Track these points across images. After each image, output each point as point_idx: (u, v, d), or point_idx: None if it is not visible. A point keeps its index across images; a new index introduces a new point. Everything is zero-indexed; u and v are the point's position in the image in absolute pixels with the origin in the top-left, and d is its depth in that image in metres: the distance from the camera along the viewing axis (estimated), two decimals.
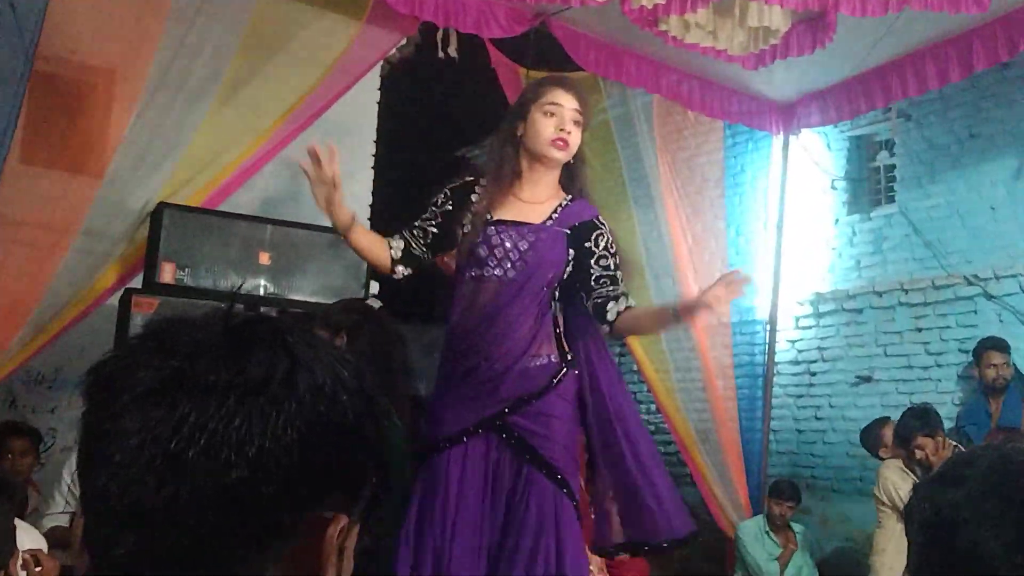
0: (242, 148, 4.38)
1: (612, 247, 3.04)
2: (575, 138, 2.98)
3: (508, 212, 2.98)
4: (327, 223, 5.25)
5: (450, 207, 3.05)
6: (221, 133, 4.29)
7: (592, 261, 2.98)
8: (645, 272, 5.67)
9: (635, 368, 6.41)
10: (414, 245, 3.05)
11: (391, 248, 3.02)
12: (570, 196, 3.05)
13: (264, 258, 4.66)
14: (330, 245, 5.00)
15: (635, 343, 5.87)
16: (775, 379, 6.64)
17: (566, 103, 2.96)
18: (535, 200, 3.01)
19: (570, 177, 3.07)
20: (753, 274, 7.30)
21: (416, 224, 3.08)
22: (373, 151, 6.39)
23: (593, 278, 2.97)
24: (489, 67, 5.07)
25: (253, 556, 0.92)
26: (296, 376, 0.90)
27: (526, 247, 2.92)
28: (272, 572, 0.94)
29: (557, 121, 2.94)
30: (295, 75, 4.43)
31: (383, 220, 6.59)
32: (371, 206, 6.34)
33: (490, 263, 2.91)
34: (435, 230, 3.05)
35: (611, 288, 2.97)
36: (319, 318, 3.41)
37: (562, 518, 2.79)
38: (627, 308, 2.95)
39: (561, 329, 3.00)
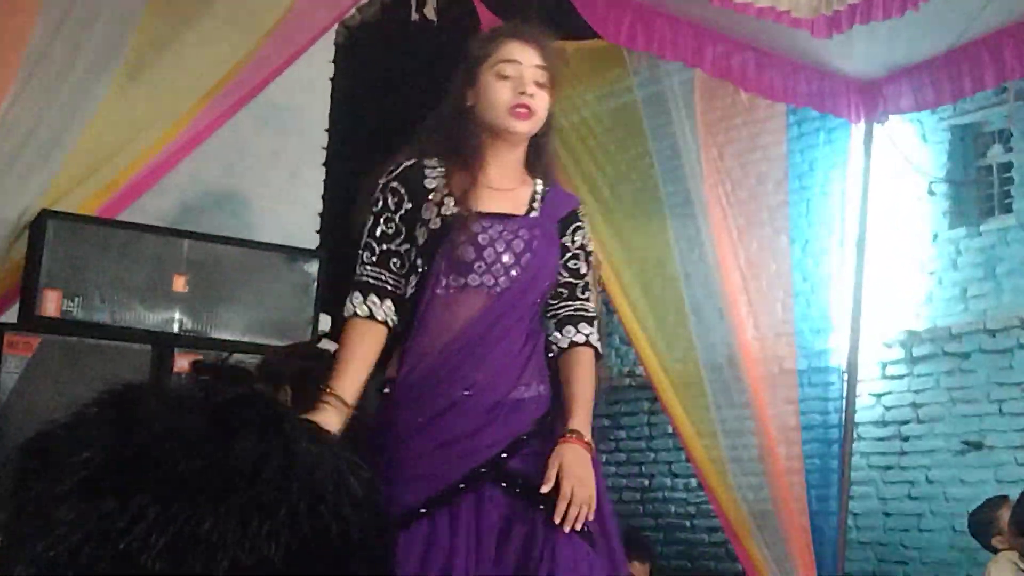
0: (151, 139, 4.36)
1: (588, 246, 3.11)
2: (540, 102, 2.97)
3: (485, 203, 2.98)
4: (265, 237, 5.26)
5: (409, 206, 3.03)
6: (124, 120, 4.28)
7: (561, 262, 3.04)
8: (684, 303, 5.73)
9: (670, 430, 6.39)
10: (392, 286, 3.02)
11: (379, 319, 2.97)
12: (539, 179, 3.08)
13: (179, 283, 4.64)
14: (267, 266, 5.00)
15: (671, 396, 5.88)
16: (855, 445, 6.61)
17: (524, 59, 2.97)
18: (506, 187, 3.03)
19: (537, 154, 3.09)
20: (826, 306, 7.34)
21: (377, 257, 3.01)
22: (324, 143, 6.40)
23: (558, 284, 3.03)
24: (479, 33, 5.08)
25: None
26: (291, 476, 0.88)
27: (521, 248, 2.95)
28: None
29: (515, 84, 2.95)
30: (222, 44, 4.43)
31: (338, 231, 6.59)
32: (321, 215, 6.33)
33: (477, 269, 2.91)
34: (407, 246, 3.01)
35: (573, 303, 3.04)
36: (257, 367, 3.41)
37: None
38: (570, 347, 3.00)
39: (553, 354, 3.02)
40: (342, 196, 6.70)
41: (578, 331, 3.00)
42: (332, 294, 5.37)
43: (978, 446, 6.84)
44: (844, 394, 6.49)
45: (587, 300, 3.07)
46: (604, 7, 5.14)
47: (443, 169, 3.01)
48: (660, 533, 9.06)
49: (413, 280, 2.96)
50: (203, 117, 4.50)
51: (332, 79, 6.48)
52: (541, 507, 2.77)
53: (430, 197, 2.97)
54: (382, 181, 3.03)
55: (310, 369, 3.45)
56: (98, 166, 4.31)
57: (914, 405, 7.32)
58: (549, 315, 3.04)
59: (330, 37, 6.01)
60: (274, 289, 4.93)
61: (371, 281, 3.00)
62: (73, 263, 4.31)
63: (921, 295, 7.36)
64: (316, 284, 5.04)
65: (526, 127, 2.97)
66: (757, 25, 5.07)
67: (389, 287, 2.99)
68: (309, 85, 6.20)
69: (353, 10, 5.33)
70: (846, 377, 6.50)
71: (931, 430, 7.19)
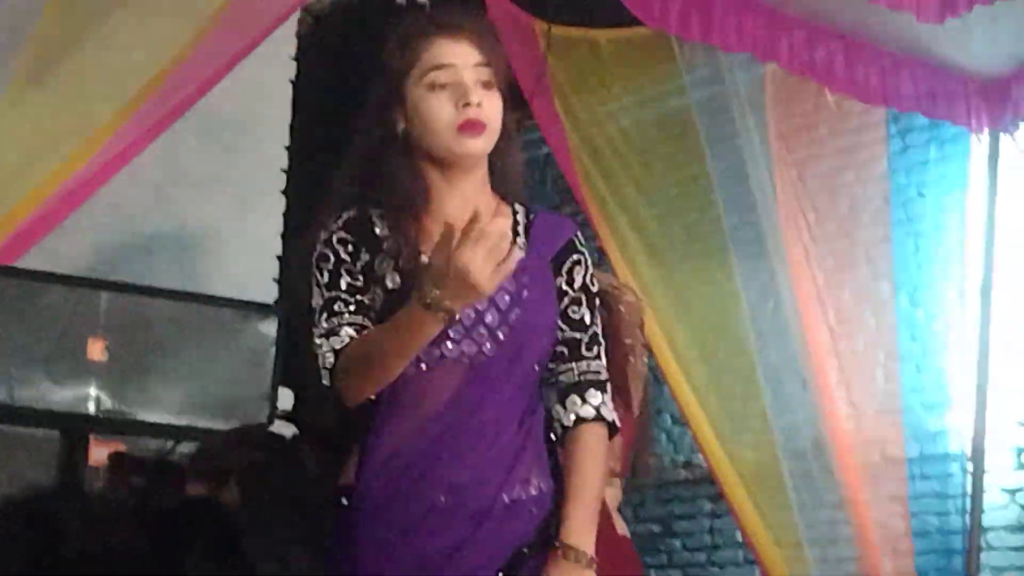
0: (57, 163, 4.38)
1: (592, 285, 3.10)
2: (491, 108, 2.94)
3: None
4: (207, 288, 5.25)
5: (366, 258, 3.00)
6: (20, 138, 4.31)
7: (560, 308, 3.03)
8: (755, 370, 5.71)
9: (739, 538, 6.36)
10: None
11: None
12: (518, 205, 3.09)
13: (96, 349, 4.66)
14: (210, 326, 5.00)
15: (741, 494, 5.85)
16: (984, 556, 6.56)
17: (460, 59, 2.95)
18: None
19: (503, 173, 3.07)
20: (942, 374, 7.30)
21: (355, 307, 2.96)
22: (284, 164, 6.42)
23: (557, 342, 3.03)
24: (483, 19, 5.11)
25: None
26: None
27: (508, 301, 2.93)
28: None
29: (454, 92, 2.92)
30: (149, 38, 4.47)
31: (300, 285, 6.59)
32: (280, 258, 6.34)
33: (453, 335, 2.88)
34: (370, 296, 2.97)
35: (578, 365, 3.02)
36: (193, 459, 3.43)
37: None
38: (593, 418, 2.98)
39: (556, 434, 3.02)
40: (305, 222, 6.75)
41: (585, 402, 2.97)
42: (295, 361, 5.37)
43: None
44: (968, 489, 6.45)
45: (596, 358, 3.05)
46: None
47: (389, 218, 2.97)
48: None
49: None
50: (126, 133, 4.51)
51: (294, 81, 6.52)
52: None
53: (384, 247, 2.96)
54: (323, 237, 3.01)
55: (263, 462, 3.46)
56: None
57: None
58: (549, 382, 3.02)
59: (291, 27, 6.05)
60: (220, 356, 4.93)
61: (351, 325, 2.93)
62: None
63: None
64: (274, 348, 5.04)
65: (480, 145, 2.93)
66: (848, 7, 5.09)
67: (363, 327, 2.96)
68: (264, 90, 6.22)
69: None
70: (970, 467, 6.45)
71: None
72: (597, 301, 3.11)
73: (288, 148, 6.41)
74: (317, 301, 3.00)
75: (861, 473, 5.83)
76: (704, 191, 5.77)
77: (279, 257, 6.28)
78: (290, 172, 6.42)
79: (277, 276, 6.26)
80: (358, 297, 2.96)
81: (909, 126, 7.12)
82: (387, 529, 2.88)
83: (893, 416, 6.05)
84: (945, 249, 7.33)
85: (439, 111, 2.90)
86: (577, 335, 3.01)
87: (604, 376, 3.04)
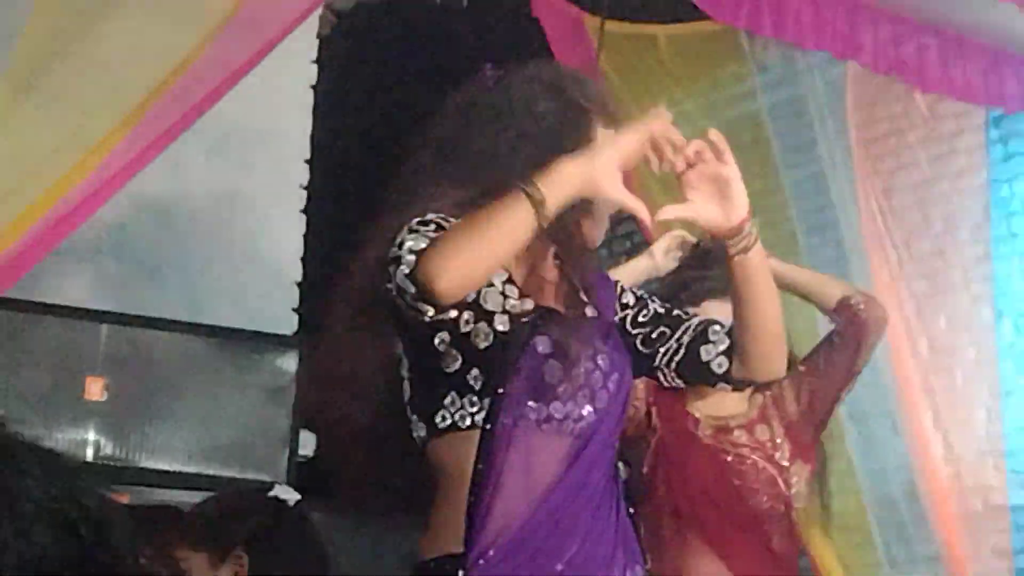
0: (52, 179, 4.41)
1: (635, 296, 3.27)
2: None
3: (546, 298, 3.09)
4: (220, 320, 5.26)
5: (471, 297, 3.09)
6: (10, 153, 4.34)
7: (629, 326, 3.19)
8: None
9: None
10: None
11: None
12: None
13: (95, 388, 4.68)
14: (226, 361, 5.01)
15: (823, 545, 5.81)
16: None
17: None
18: (551, 278, 3.15)
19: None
20: None
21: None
22: (305, 180, 6.45)
23: (643, 339, 3.18)
24: (527, 14, 5.14)
25: None
26: None
27: (607, 364, 3.03)
28: None
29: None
30: (153, 42, 4.50)
31: (322, 313, 6.61)
32: (300, 285, 6.37)
33: (564, 394, 2.97)
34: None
35: (681, 330, 3.16)
36: (186, 529, 3.48)
37: None
38: (730, 346, 3.12)
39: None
40: (329, 256, 6.78)
41: (713, 341, 3.15)
42: (317, 398, 5.38)
43: None
44: None
45: (689, 316, 3.24)
46: None
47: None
48: None
49: (473, 403, 2.98)
50: (129, 147, 4.53)
51: (315, 87, 6.55)
52: None
53: (501, 290, 3.02)
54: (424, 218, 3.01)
55: (270, 534, 3.50)
56: None
57: None
58: (682, 354, 3.15)
59: (311, 27, 6.08)
60: (233, 395, 4.95)
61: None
62: None
63: None
64: (294, 385, 5.05)
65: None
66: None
67: None
68: (282, 98, 6.26)
69: None
70: None
71: None
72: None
73: (308, 162, 6.44)
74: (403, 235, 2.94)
75: (960, 524, 5.80)
76: (779, 206, 5.76)
77: (299, 283, 6.31)
78: (311, 189, 6.44)
79: (297, 305, 6.28)
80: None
81: (1012, 131, 7.09)
82: None
83: (996, 460, 6.02)
84: None
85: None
86: (662, 314, 3.19)
87: (706, 321, 3.19)
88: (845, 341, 4.06)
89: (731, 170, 2.97)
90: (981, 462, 5.96)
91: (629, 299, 3.21)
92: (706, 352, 3.08)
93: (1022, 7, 5.10)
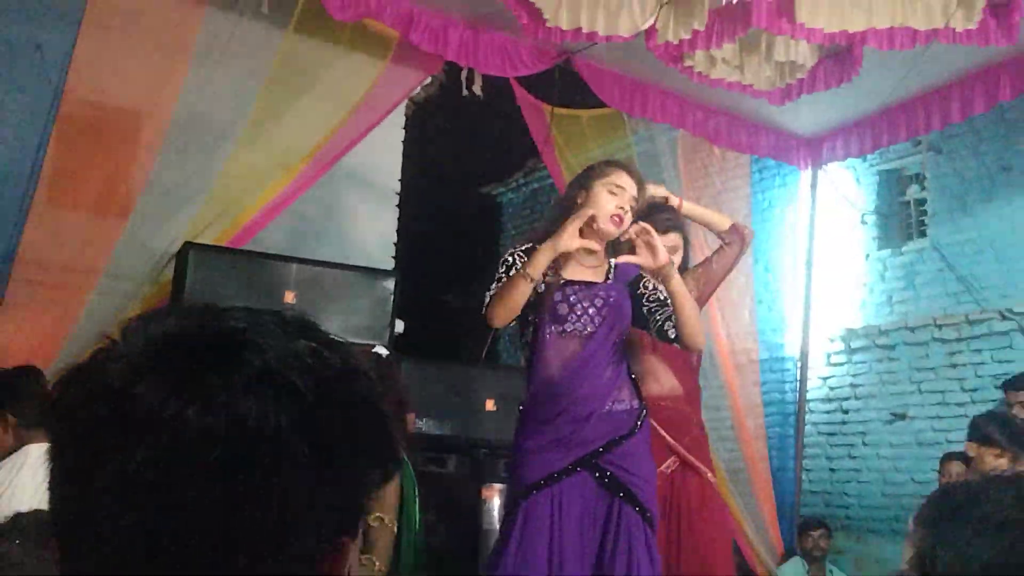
0: (267, 187, 4.39)
1: (653, 286, 3.25)
2: (628, 218, 3.17)
3: (574, 274, 3.18)
4: (353, 261, 5.23)
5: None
6: (246, 172, 4.30)
7: (644, 300, 3.21)
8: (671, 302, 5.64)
9: None
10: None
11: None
12: (613, 259, 3.26)
13: (289, 297, 4.63)
14: (356, 283, 4.99)
15: None
16: (807, 417, 6.53)
17: (628, 187, 3.19)
18: (592, 264, 3.21)
19: (611, 246, 3.28)
20: (783, 311, 7.26)
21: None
22: (398, 189, 6.41)
23: (648, 311, 3.19)
24: (514, 105, 5.08)
25: None
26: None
27: (601, 304, 3.13)
28: None
29: (618, 200, 3.16)
30: (320, 114, 4.45)
31: (409, 256, 6.58)
32: (396, 244, 6.34)
33: (571, 319, 3.11)
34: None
35: (663, 310, 3.18)
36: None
37: (652, 549, 3.04)
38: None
39: (636, 376, 3.25)
40: (412, 229, 6.72)
41: (672, 320, 3.16)
42: (405, 303, 5.38)
43: (902, 417, 6.76)
44: (798, 377, 6.43)
45: (668, 306, 3.18)
46: (610, 83, 5.11)
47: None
48: None
49: (529, 329, 3.18)
50: (306, 171, 4.51)
51: (403, 140, 6.50)
52: (620, 495, 3.04)
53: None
54: (510, 251, 3.25)
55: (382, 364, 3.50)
56: (227, 208, 4.34)
57: (852, 386, 7.22)
58: (658, 323, 3.16)
59: (401, 109, 6.00)
60: (360, 301, 4.91)
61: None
62: (209, 283, 4.31)
63: (857, 301, 7.26)
64: (392, 297, 5.04)
65: (616, 231, 3.18)
66: (728, 95, 5.05)
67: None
68: (386, 146, 6.19)
69: (418, 88, 5.32)
70: (799, 365, 6.43)
71: (866, 405, 7.08)
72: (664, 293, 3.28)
73: (400, 181, 6.41)
74: (494, 285, 3.21)
75: (735, 369, 5.80)
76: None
77: (395, 244, 6.28)
78: (401, 195, 6.40)
79: (394, 255, 6.26)
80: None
81: (764, 165, 7.07)
82: (540, 418, 3.11)
83: (753, 336, 6.01)
84: (785, 237, 7.29)
85: (606, 204, 3.15)
86: (659, 301, 3.17)
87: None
88: (732, 249, 3.85)
89: (657, 239, 3.06)
90: (745, 337, 5.95)
91: (649, 284, 3.21)
92: (669, 327, 3.10)
93: (770, 101, 5.07)
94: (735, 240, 3.86)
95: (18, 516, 2.91)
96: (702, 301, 3.84)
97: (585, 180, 3.24)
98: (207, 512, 0.70)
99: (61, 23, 3.45)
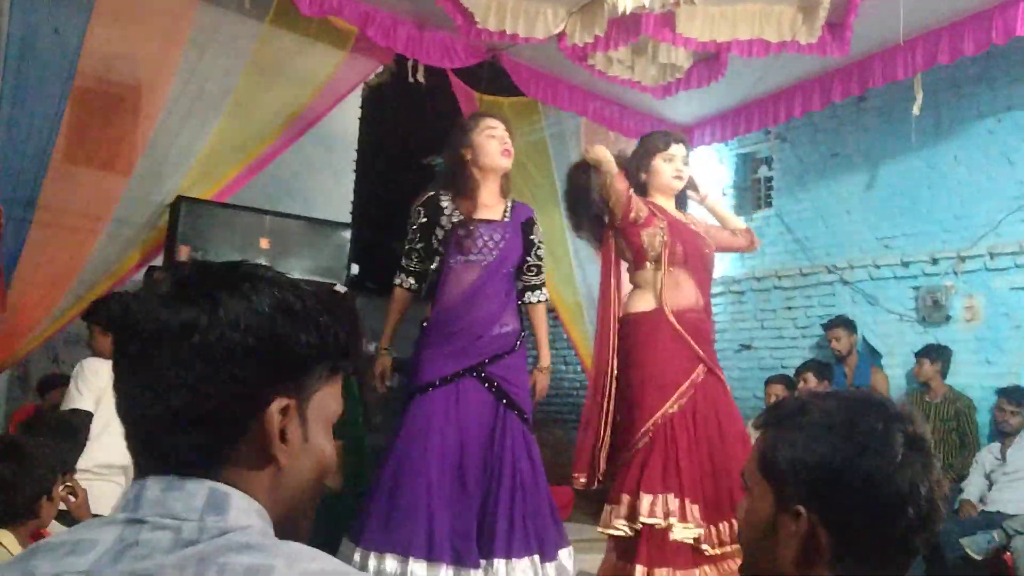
0: (247, 152, 4.34)
1: (542, 240, 3.21)
2: (511, 148, 3.14)
3: (479, 213, 3.10)
4: (317, 215, 5.20)
5: (424, 219, 3.14)
6: (230, 139, 4.24)
7: (531, 251, 3.14)
8: (572, 260, 5.61)
9: (565, 337, 6.46)
10: (415, 268, 3.16)
11: (409, 289, 3.16)
12: (510, 200, 3.19)
13: (264, 243, 4.63)
14: (319, 232, 4.99)
15: (563, 314, 5.73)
16: None
17: (498, 126, 3.14)
18: (492, 204, 3.13)
19: (506, 185, 3.20)
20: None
21: (407, 251, 3.16)
22: (355, 158, 6.36)
23: (527, 265, 3.13)
24: (450, 91, 5.08)
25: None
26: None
27: (499, 238, 3.06)
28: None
29: (498, 138, 3.11)
30: (291, 93, 4.40)
31: (363, 212, 6.56)
32: (353, 203, 6.32)
33: (473, 252, 3.03)
34: (420, 244, 3.14)
35: (535, 277, 3.15)
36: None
37: (531, 446, 3.04)
38: (537, 303, 3.17)
39: (524, 303, 3.19)
40: (367, 190, 6.69)
41: (533, 294, 3.16)
42: (359, 250, 5.39)
43: (748, 347, 6.97)
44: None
45: (542, 273, 3.19)
46: (528, 76, 5.10)
47: (452, 198, 3.12)
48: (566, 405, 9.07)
49: (436, 260, 3.09)
50: (279, 139, 4.46)
51: (360, 118, 6.44)
52: (503, 401, 3.01)
53: (445, 212, 3.10)
54: (414, 206, 3.17)
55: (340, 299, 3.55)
56: (213, 168, 4.28)
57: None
58: (524, 283, 3.15)
59: (358, 91, 5.93)
60: (322, 247, 4.91)
61: (405, 267, 3.15)
62: (197, 229, 4.29)
63: (717, 257, 7.41)
64: (349, 244, 5.05)
65: (509, 162, 3.14)
66: (621, 89, 5.10)
67: (411, 268, 3.15)
68: (346, 121, 6.14)
69: (373, 75, 5.28)
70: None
71: (721, 337, 7.19)
72: (544, 248, 3.23)
73: (357, 151, 6.36)
74: (405, 243, 3.15)
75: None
76: (551, 176, 5.51)
77: (352, 202, 6.24)
78: (358, 163, 6.35)
79: (351, 210, 6.22)
80: (409, 249, 3.14)
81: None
82: (439, 334, 3.05)
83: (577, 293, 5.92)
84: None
85: (493, 146, 3.09)
86: (537, 263, 3.17)
87: (541, 284, 3.20)
88: (739, 241, 3.63)
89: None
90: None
91: (537, 236, 3.17)
92: (529, 294, 3.16)
93: (655, 95, 5.14)
94: (746, 239, 3.67)
95: (47, 412, 2.92)
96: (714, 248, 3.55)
97: (464, 137, 3.13)
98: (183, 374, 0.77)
99: (76, 10, 3.37)
